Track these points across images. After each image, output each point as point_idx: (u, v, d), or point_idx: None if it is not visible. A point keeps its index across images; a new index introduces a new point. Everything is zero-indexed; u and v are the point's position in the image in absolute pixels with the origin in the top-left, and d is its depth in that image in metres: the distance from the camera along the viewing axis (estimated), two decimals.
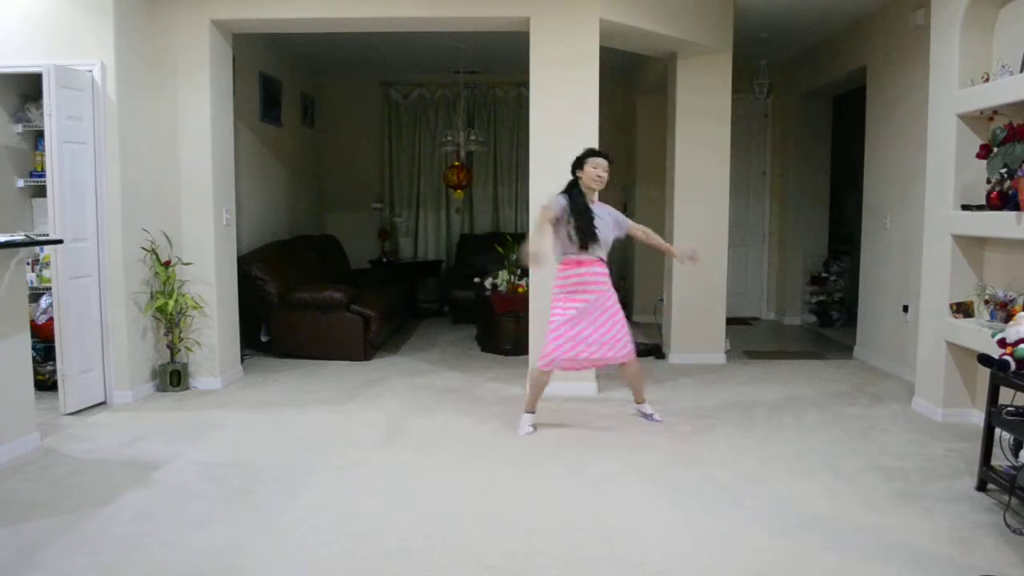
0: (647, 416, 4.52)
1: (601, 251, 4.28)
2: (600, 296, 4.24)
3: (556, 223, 4.20)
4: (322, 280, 6.73)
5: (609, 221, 4.32)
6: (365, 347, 6.11)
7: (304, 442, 4.08)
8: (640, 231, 4.50)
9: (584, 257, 4.22)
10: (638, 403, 4.59)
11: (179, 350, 5.12)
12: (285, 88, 7.39)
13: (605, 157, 4.28)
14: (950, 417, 4.40)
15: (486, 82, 8.59)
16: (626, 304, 8.35)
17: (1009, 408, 3.22)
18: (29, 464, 3.68)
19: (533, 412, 4.33)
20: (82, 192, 4.60)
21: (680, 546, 2.86)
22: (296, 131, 7.82)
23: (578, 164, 4.27)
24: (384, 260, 8.50)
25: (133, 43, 4.84)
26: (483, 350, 6.57)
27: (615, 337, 4.27)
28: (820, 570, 2.66)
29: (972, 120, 4.22)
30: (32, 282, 4.83)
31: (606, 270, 4.32)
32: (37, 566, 2.67)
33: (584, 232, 4.16)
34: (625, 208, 8.57)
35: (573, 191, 4.26)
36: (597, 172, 4.22)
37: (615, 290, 4.36)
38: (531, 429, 4.26)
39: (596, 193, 4.31)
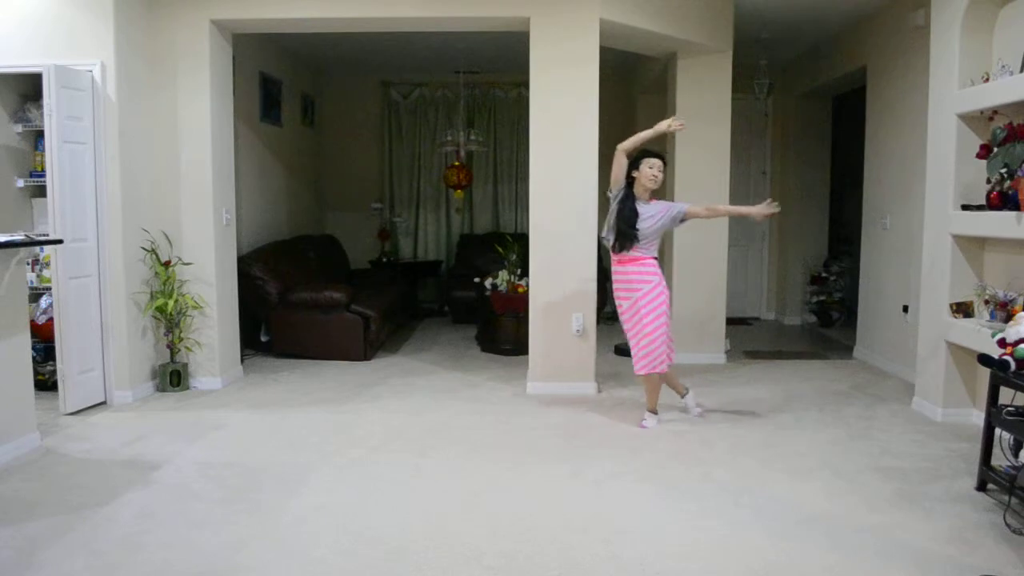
0: (689, 409, 4.58)
1: (646, 249, 4.30)
2: (643, 298, 4.26)
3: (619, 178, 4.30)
4: (322, 280, 6.73)
5: (660, 221, 4.28)
6: (365, 347, 6.11)
7: (304, 442, 4.08)
8: (703, 210, 4.39)
9: (636, 254, 4.28)
10: (681, 396, 4.63)
11: (179, 350, 5.12)
12: (285, 88, 7.39)
13: (659, 156, 4.33)
14: (950, 417, 4.40)
15: (486, 82, 8.58)
16: None
17: (1009, 408, 3.22)
18: (29, 464, 3.69)
19: (655, 412, 4.45)
20: (82, 192, 4.60)
21: (680, 546, 2.86)
22: (296, 131, 7.82)
23: (634, 165, 4.31)
24: (384, 260, 8.49)
25: (133, 43, 4.84)
26: (483, 350, 6.57)
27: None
28: (820, 570, 2.67)
29: (972, 120, 4.22)
30: (32, 282, 4.82)
31: (653, 267, 4.32)
32: (37, 566, 2.67)
33: (622, 234, 4.24)
34: None
35: (627, 190, 4.31)
36: (653, 172, 4.26)
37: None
38: (654, 424, 4.39)
39: (649, 192, 4.31)
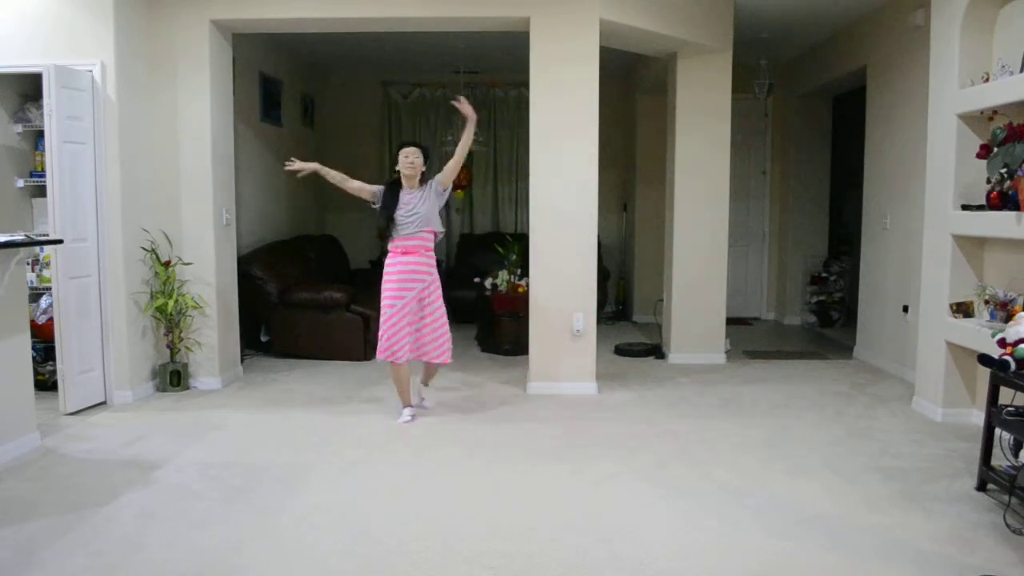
0: (421, 400, 4.77)
1: (424, 239, 4.45)
2: (425, 289, 4.45)
3: (368, 198, 4.59)
4: (322, 280, 6.73)
5: (426, 202, 4.43)
6: (365, 347, 6.11)
7: (304, 442, 4.08)
8: (450, 164, 4.46)
9: (409, 245, 4.44)
10: (423, 384, 4.83)
11: (179, 350, 5.12)
12: (285, 88, 7.39)
13: (415, 145, 4.50)
14: (950, 417, 4.40)
15: (486, 82, 8.58)
16: (626, 304, 8.43)
17: (1009, 408, 3.22)
18: (29, 464, 3.69)
19: (410, 405, 4.57)
20: (82, 192, 4.60)
21: (680, 546, 2.86)
22: (296, 131, 7.82)
23: (395, 160, 4.54)
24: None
25: (133, 43, 4.84)
26: (483, 350, 6.57)
27: (437, 338, 4.50)
28: (820, 570, 2.67)
29: (972, 120, 4.22)
30: (32, 282, 4.82)
31: (431, 260, 4.50)
32: (37, 566, 2.67)
33: (388, 220, 4.47)
34: (625, 208, 8.59)
35: (392, 183, 4.52)
36: (408, 160, 4.42)
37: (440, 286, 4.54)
38: (409, 418, 4.49)
39: (415, 181, 4.47)
